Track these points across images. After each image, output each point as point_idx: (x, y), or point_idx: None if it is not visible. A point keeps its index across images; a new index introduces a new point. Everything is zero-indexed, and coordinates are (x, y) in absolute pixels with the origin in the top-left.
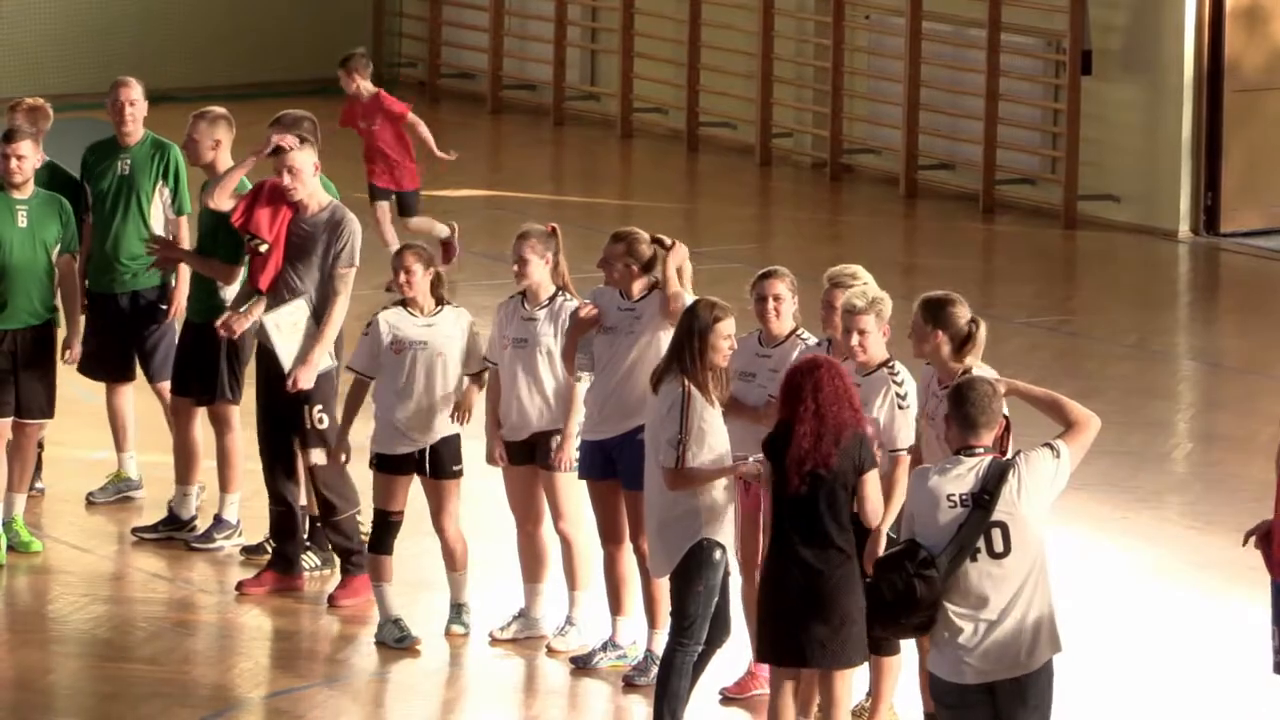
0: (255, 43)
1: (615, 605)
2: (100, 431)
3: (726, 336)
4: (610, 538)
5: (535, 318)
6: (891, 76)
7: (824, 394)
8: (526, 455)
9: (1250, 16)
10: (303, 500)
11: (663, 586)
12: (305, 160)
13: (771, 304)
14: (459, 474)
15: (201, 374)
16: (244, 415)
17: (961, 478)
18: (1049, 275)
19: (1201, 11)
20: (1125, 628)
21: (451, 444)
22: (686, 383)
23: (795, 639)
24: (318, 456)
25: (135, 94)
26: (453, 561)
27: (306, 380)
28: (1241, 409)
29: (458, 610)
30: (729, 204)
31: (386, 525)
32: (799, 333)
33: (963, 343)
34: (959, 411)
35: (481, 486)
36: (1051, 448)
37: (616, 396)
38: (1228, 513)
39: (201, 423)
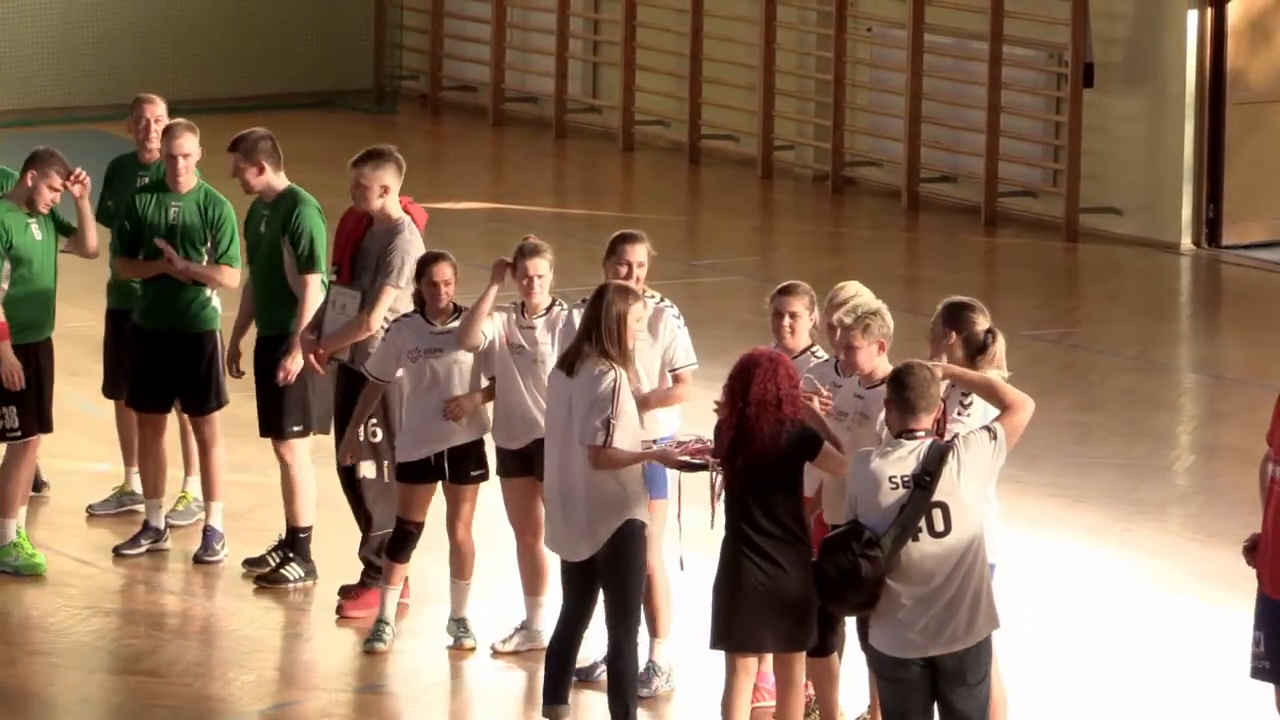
0: (257, 55)
1: None
2: (101, 444)
3: (638, 319)
4: None
5: (533, 326)
6: (893, 89)
7: (751, 394)
8: (524, 466)
9: (1252, 29)
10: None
11: (665, 596)
12: (374, 177)
13: (788, 320)
14: (478, 479)
15: (189, 386)
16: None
17: (902, 460)
18: (1051, 288)
19: (1203, 24)
20: (1126, 637)
21: (472, 449)
22: (617, 369)
23: (758, 628)
24: (367, 469)
25: (159, 111)
26: (460, 569)
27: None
28: (1244, 421)
29: (459, 624)
30: (730, 216)
31: (404, 534)
32: (813, 349)
33: (977, 350)
34: (899, 395)
35: (482, 497)
36: (989, 430)
37: None
38: (1229, 525)
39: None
